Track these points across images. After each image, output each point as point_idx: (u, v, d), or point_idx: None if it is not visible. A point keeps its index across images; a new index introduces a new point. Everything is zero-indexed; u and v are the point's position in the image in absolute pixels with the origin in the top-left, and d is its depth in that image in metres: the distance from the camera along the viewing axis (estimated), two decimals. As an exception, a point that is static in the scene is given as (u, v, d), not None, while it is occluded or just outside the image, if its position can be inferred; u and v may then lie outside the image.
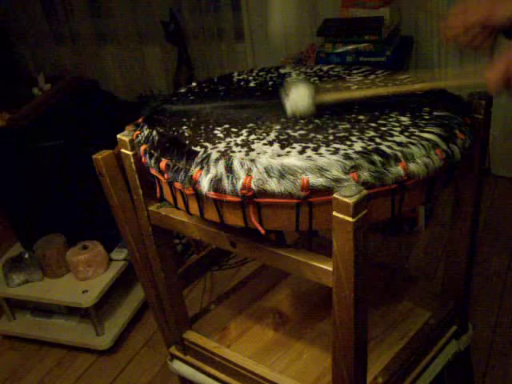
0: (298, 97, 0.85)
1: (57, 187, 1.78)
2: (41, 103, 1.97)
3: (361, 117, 0.84)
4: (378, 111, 0.85)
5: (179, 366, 1.17)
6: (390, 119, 0.82)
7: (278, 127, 0.83)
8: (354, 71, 1.02)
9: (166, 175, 0.80)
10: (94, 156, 0.93)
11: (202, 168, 0.76)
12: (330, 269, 0.76)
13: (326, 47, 1.96)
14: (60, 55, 2.93)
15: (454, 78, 0.87)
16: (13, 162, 1.81)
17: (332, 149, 0.75)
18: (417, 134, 0.78)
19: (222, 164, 0.74)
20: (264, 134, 0.81)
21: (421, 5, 2.18)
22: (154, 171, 0.84)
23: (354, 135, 0.78)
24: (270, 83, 1.01)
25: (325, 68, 1.05)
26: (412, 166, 0.74)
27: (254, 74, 1.06)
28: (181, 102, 0.97)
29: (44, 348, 1.85)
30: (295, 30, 2.31)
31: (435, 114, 0.83)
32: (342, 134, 0.79)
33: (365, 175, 0.72)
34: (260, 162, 0.73)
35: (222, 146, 0.79)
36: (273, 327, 1.16)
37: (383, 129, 0.80)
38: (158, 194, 0.89)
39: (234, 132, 0.83)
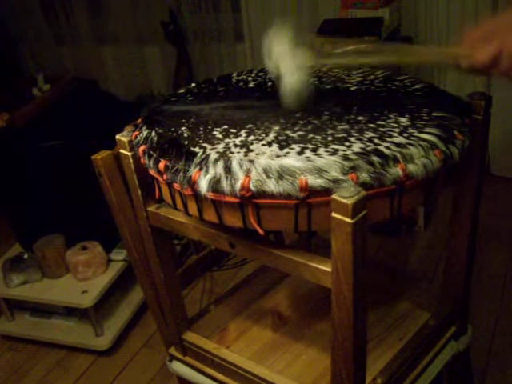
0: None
1: (56, 187, 1.78)
2: (40, 103, 1.97)
3: (360, 117, 0.84)
4: (376, 112, 0.85)
5: (178, 367, 1.17)
6: (389, 120, 0.82)
7: (276, 128, 0.83)
8: (354, 72, 1.02)
9: (164, 176, 0.80)
10: (93, 157, 0.93)
11: (200, 169, 0.76)
12: (329, 270, 0.76)
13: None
14: (60, 55, 2.93)
15: (439, 53, 0.86)
16: (13, 162, 1.81)
17: (331, 150, 0.75)
18: (416, 134, 0.78)
19: (220, 165, 0.74)
20: (263, 135, 0.81)
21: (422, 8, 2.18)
22: (152, 172, 0.84)
23: (352, 136, 0.78)
24: (269, 84, 1.01)
25: (324, 68, 1.05)
26: (411, 167, 0.74)
27: (253, 75, 1.06)
28: (180, 103, 0.97)
29: (43, 348, 1.84)
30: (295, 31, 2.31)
31: (434, 114, 0.83)
32: (341, 135, 0.79)
33: (363, 176, 0.72)
34: (259, 163, 0.73)
35: (220, 147, 0.79)
36: (272, 328, 1.16)
37: (382, 130, 0.80)
38: (157, 195, 0.89)
39: (232, 133, 0.83)
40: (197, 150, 0.79)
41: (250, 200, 0.74)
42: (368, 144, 0.76)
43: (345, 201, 0.67)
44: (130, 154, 0.90)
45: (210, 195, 0.75)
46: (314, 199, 0.73)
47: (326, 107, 0.88)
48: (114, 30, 2.76)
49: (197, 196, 0.78)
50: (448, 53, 0.85)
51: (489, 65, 0.74)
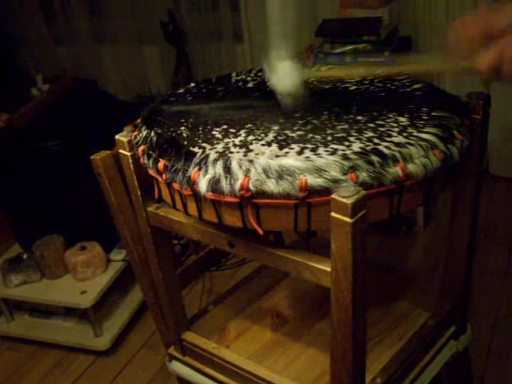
0: (284, 72, 0.86)
1: (55, 187, 1.78)
2: (39, 103, 1.97)
3: (359, 117, 0.84)
4: (376, 112, 0.85)
5: (178, 367, 1.17)
6: (389, 120, 0.82)
7: (276, 128, 0.83)
8: (353, 72, 1.02)
9: (164, 176, 0.80)
10: (92, 157, 0.93)
11: (200, 169, 0.76)
12: (329, 269, 0.76)
13: (324, 48, 1.96)
14: (59, 55, 2.93)
15: (445, 62, 0.86)
16: (11, 162, 1.81)
17: (330, 149, 0.75)
18: (415, 134, 0.78)
19: (220, 165, 0.74)
20: (262, 135, 0.81)
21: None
22: (152, 172, 0.84)
23: (352, 136, 0.78)
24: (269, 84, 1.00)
25: (323, 69, 1.05)
26: (410, 167, 0.74)
27: (252, 75, 1.06)
28: (179, 103, 0.97)
29: (42, 349, 1.84)
30: (294, 30, 2.31)
31: (433, 114, 0.83)
32: (340, 135, 0.79)
33: (363, 176, 0.72)
34: (258, 163, 0.73)
35: (220, 147, 0.79)
36: (271, 328, 1.16)
37: (381, 129, 0.80)
38: (157, 195, 0.89)
39: (232, 133, 0.83)
40: (196, 149, 0.79)
41: (250, 200, 0.74)
42: (367, 144, 0.76)
43: (344, 200, 0.67)
44: (129, 154, 0.90)
45: (210, 195, 0.75)
46: (313, 199, 0.73)
47: (326, 107, 0.88)
48: (113, 30, 2.76)
49: (196, 196, 0.78)
50: (449, 66, 0.85)
51: (490, 73, 0.74)
